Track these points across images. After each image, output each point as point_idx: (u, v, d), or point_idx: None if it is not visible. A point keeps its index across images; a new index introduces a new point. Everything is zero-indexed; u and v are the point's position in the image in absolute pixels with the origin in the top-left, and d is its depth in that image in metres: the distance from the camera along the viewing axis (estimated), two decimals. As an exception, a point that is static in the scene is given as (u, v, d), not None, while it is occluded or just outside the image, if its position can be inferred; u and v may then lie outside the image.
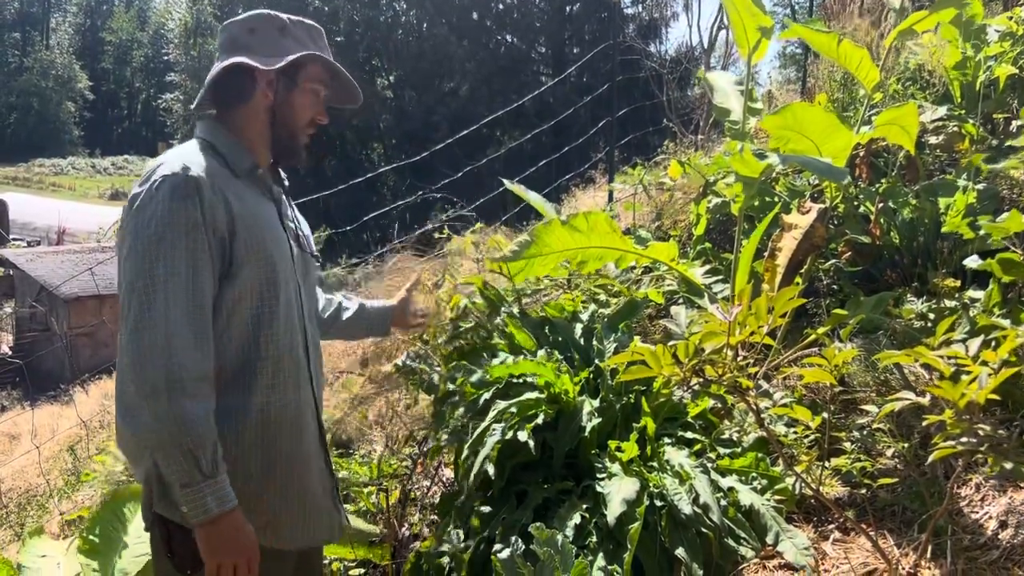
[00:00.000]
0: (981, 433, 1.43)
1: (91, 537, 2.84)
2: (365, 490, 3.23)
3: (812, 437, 2.39)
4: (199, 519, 1.63)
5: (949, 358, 1.54)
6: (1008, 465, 1.42)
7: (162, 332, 1.59)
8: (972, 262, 2.62)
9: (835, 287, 3.54)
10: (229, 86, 1.85)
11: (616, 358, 1.72)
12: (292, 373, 1.86)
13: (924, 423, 1.66)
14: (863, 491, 2.30)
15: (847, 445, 2.40)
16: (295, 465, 1.87)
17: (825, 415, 2.18)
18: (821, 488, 2.08)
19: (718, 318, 1.52)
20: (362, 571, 2.98)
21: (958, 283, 3.06)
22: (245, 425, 1.77)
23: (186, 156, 1.73)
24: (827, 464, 2.27)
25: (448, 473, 3.17)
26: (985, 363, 1.48)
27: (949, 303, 2.94)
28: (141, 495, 1.80)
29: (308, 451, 1.92)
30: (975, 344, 1.52)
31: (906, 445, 2.26)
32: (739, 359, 1.61)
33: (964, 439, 1.43)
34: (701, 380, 1.60)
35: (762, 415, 1.96)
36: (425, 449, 3.16)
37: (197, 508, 1.62)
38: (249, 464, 1.78)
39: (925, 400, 1.60)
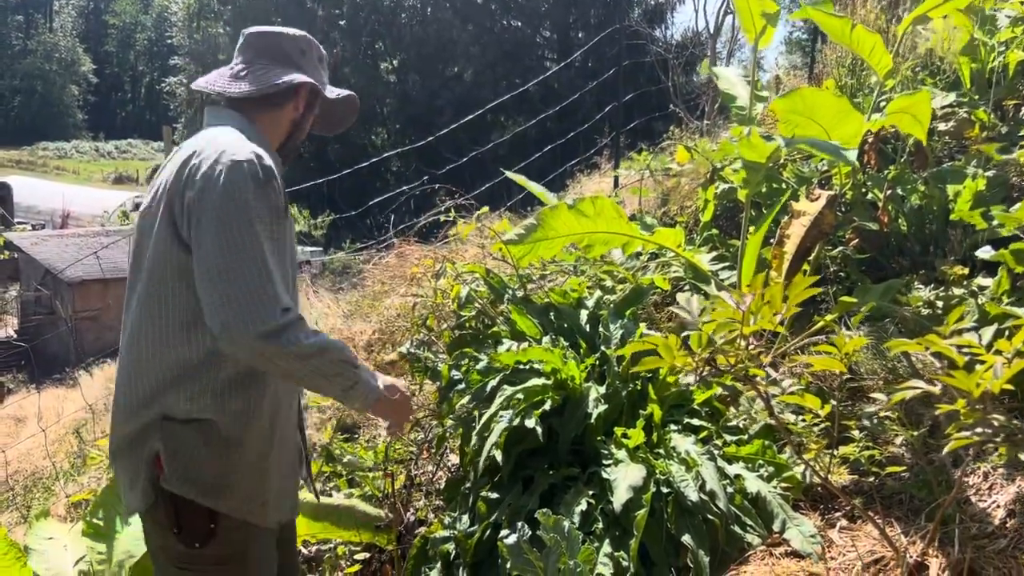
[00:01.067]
0: (995, 424, 1.41)
1: (95, 520, 2.85)
2: (370, 475, 3.23)
3: (822, 425, 2.37)
4: (372, 401, 1.85)
5: (961, 347, 1.52)
6: (1023, 456, 1.41)
7: (270, 287, 1.69)
8: (984, 252, 2.60)
9: (842, 274, 3.53)
10: (274, 93, 1.96)
11: (629, 347, 1.71)
12: None
13: (937, 412, 1.65)
14: (871, 479, 2.29)
15: (855, 433, 2.39)
16: (286, 441, 1.97)
17: (839, 404, 2.17)
18: (829, 476, 2.06)
19: (731, 307, 1.51)
20: (367, 555, 2.98)
21: (967, 271, 3.04)
22: (263, 397, 1.85)
23: (248, 144, 1.81)
24: (835, 452, 2.26)
25: (453, 459, 3.17)
26: (999, 352, 1.46)
27: (957, 291, 2.92)
28: (135, 474, 1.82)
29: (292, 428, 2.02)
30: (989, 333, 1.51)
31: (915, 433, 2.24)
32: (750, 347, 1.60)
33: (979, 429, 1.42)
34: (713, 370, 1.59)
35: (772, 403, 1.95)
36: (431, 435, 3.16)
37: (368, 395, 1.84)
38: (262, 439, 1.85)
39: (936, 389, 1.58)
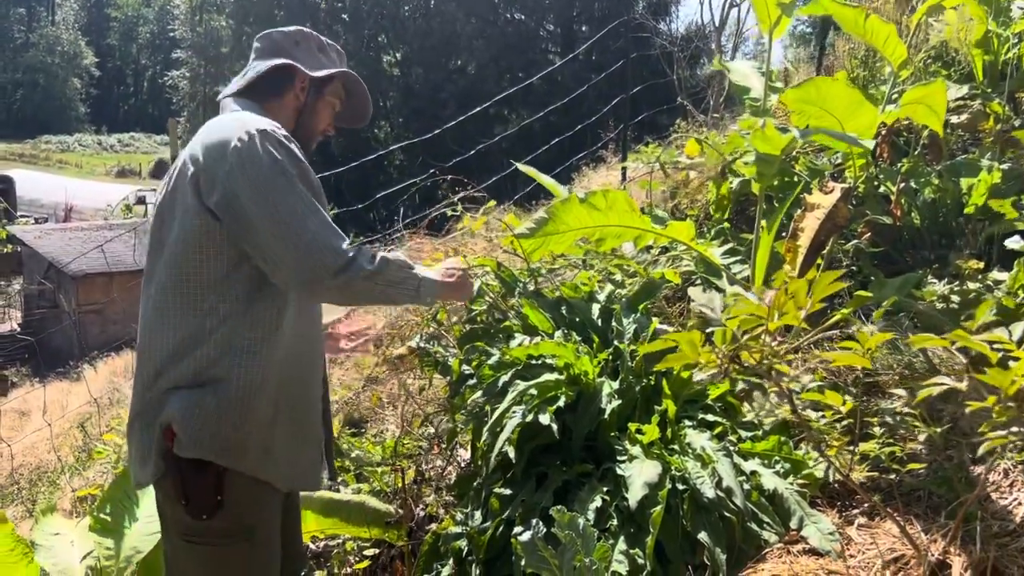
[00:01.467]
0: (1031, 421, 1.38)
1: (103, 516, 2.83)
2: (378, 470, 3.20)
3: (846, 422, 2.34)
4: (439, 291, 2.03)
5: (992, 343, 1.48)
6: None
7: (328, 230, 1.84)
8: (1014, 243, 2.57)
9: (854, 268, 3.49)
10: (269, 81, 2.09)
11: (651, 345, 1.68)
12: (313, 312, 2.07)
13: (960, 408, 1.61)
14: (892, 476, 2.25)
15: (875, 430, 2.36)
16: (303, 406, 2.03)
17: (855, 400, 2.14)
18: (850, 474, 2.03)
19: (754, 303, 1.48)
20: (376, 551, 2.96)
21: (981, 265, 3.01)
22: (273, 361, 1.91)
23: (264, 119, 1.93)
24: (855, 449, 2.22)
25: (463, 453, 3.14)
26: (1031, 348, 1.43)
27: (973, 285, 2.88)
28: (147, 450, 1.88)
29: (314, 396, 2.09)
30: (1020, 329, 1.47)
31: (938, 430, 2.21)
32: (774, 344, 1.57)
33: (1015, 428, 1.38)
34: (738, 367, 1.56)
35: (795, 400, 1.92)
36: (440, 430, 3.13)
37: (433, 289, 2.00)
38: (270, 392, 1.91)
39: (962, 385, 1.55)
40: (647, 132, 9.03)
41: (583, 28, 30.31)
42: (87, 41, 73.08)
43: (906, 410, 2.29)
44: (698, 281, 3.39)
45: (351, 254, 1.84)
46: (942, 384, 1.57)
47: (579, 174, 8.90)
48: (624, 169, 6.72)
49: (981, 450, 1.55)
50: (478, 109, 8.57)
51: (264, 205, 1.80)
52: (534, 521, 2.03)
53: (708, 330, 1.62)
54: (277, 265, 1.82)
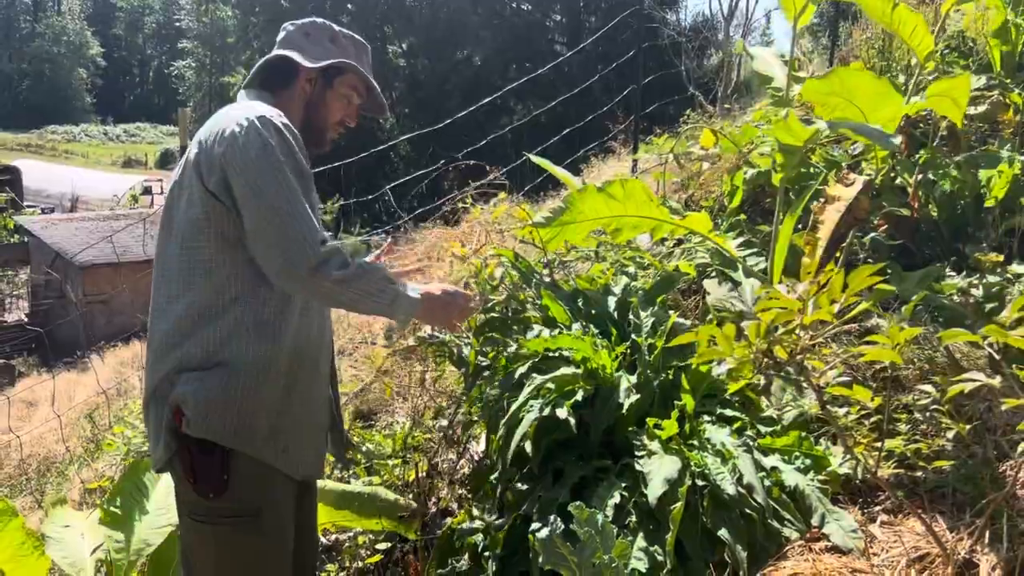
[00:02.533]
0: (1077, 419, 1.34)
1: (113, 508, 2.81)
2: (389, 462, 3.17)
3: (873, 419, 2.30)
4: (415, 309, 1.97)
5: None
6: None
7: (305, 225, 1.82)
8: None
9: (870, 260, 3.44)
10: (276, 73, 2.09)
11: (679, 338, 1.64)
12: (318, 305, 2.06)
13: (992, 405, 1.57)
14: (918, 473, 2.22)
15: (901, 426, 2.32)
16: (311, 394, 2.04)
17: (880, 395, 2.09)
18: (877, 471, 1.99)
19: (787, 296, 1.44)
20: (388, 545, 2.93)
21: (1001, 258, 2.96)
22: (281, 345, 1.93)
23: (268, 107, 1.95)
24: (882, 446, 2.19)
25: (476, 447, 3.11)
26: (1071, 344, 1.39)
27: (992, 279, 2.84)
28: (159, 429, 1.90)
29: (321, 383, 2.10)
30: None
31: (967, 427, 2.17)
32: (807, 338, 1.53)
33: (1062, 426, 1.35)
34: (771, 362, 1.52)
35: (823, 396, 1.88)
36: (454, 422, 3.10)
37: (410, 306, 1.96)
38: (278, 383, 1.93)
39: (995, 381, 1.51)
40: (655, 123, 8.97)
41: (591, 19, 30.12)
42: (93, 31, 73.02)
43: (934, 406, 2.25)
44: (713, 274, 3.34)
45: (325, 254, 1.83)
46: (974, 381, 1.53)
47: (588, 165, 8.85)
48: (635, 161, 6.67)
49: (1021, 449, 1.51)
50: (486, 101, 8.50)
51: (249, 188, 1.82)
52: (552, 517, 2.01)
53: (745, 323, 1.57)
54: (256, 249, 1.85)
